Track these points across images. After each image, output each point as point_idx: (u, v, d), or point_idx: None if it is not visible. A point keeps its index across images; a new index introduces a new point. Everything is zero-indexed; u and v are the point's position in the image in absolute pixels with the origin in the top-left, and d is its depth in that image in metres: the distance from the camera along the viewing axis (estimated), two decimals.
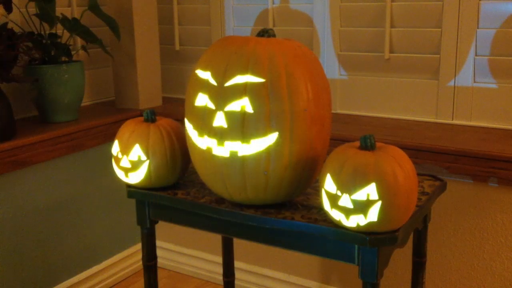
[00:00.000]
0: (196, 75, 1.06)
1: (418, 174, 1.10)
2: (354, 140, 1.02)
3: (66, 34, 1.71)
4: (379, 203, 0.91)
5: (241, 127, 0.99)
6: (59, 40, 1.67)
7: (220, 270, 1.75)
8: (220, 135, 1.00)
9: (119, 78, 1.90)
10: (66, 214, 1.72)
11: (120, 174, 1.19)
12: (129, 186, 1.20)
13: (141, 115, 1.23)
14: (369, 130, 1.53)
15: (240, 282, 1.82)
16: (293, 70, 1.00)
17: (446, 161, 1.36)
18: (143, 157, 1.14)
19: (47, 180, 1.64)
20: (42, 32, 1.65)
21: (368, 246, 0.94)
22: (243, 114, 0.99)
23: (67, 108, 1.68)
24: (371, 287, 0.99)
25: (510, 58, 1.45)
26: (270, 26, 1.79)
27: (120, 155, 1.16)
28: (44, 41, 1.65)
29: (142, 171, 1.15)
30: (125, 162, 1.16)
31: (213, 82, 1.02)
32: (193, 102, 1.05)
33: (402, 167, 0.93)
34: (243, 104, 0.98)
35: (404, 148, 1.07)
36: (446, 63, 1.53)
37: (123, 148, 1.16)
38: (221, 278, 1.72)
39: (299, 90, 0.99)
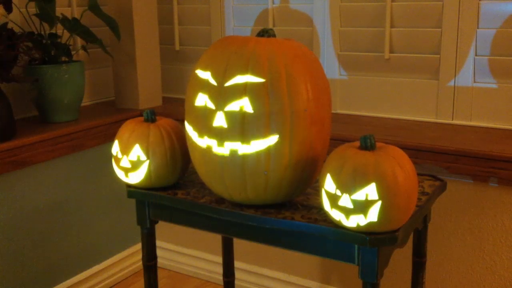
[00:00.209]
0: (196, 75, 1.06)
1: (418, 174, 1.10)
2: (354, 140, 1.02)
3: (66, 34, 1.71)
4: (379, 203, 0.91)
5: (241, 127, 0.99)
6: (59, 40, 1.67)
7: (220, 270, 1.75)
8: (220, 135, 1.00)
9: (119, 78, 1.90)
10: (66, 214, 1.72)
11: (120, 174, 1.19)
12: (129, 186, 1.20)
13: (141, 115, 1.23)
14: (369, 130, 1.53)
15: (240, 282, 1.82)
16: (293, 70, 1.00)
17: (446, 161, 1.36)
18: (143, 157, 1.14)
19: (47, 180, 1.64)
20: (42, 32, 1.65)
21: (368, 246, 0.94)
22: (243, 114, 0.99)
23: (67, 108, 1.68)
24: (371, 287, 0.99)
25: (510, 58, 1.45)
26: (270, 26, 1.79)
27: (120, 155, 1.16)
28: (44, 41, 1.65)
29: (142, 171, 1.15)
30: (125, 162, 1.16)
31: (213, 82, 1.02)
32: (193, 102, 1.05)
33: (402, 167, 0.92)
34: (243, 104, 0.98)
35: (404, 148, 1.07)
36: (446, 63, 1.54)
37: (123, 148, 1.16)
38: (221, 278, 1.72)
39: (299, 90, 0.99)
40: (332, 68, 1.71)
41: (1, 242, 1.54)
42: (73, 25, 1.66)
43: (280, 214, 1.04)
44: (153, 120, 1.19)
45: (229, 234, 1.16)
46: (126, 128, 1.17)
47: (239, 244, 1.75)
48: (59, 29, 1.68)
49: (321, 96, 1.03)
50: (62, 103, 1.67)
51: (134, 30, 1.82)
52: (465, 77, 1.52)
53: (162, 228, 1.91)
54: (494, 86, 1.49)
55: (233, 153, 1.00)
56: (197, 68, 1.07)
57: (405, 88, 1.62)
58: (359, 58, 1.67)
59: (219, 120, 1.00)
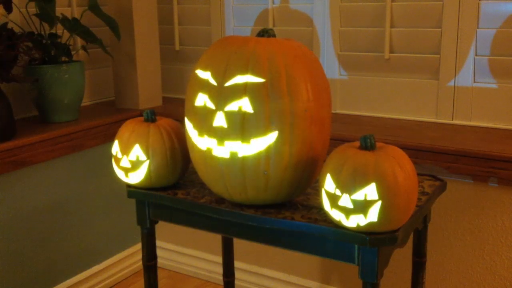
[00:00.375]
0: (196, 75, 1.06)
1: (418, 174, 1.10)
2: (354, 140, 1.02)
3: (66, 34, 1.71)
4: (379, 203, 0.91)
5: (241, 127, 0.99)
6: (59, 40, 1.67)
7: (220, 270, 1.75)
8: (220, 135, 1.00)
9: (119, 78, 1.90)
10: (66, 214, 1.72)
11: (120, 174, 1.19)
12: (129, 186, 1.20)
13: (141, 115, 1.23)
14: (369, 130, 1.53)
15: (240, 282, 1.82)
16: (293, 70, 1.00)
17: (446, 161, 1.36)
18: (143, 157, 1.14)
19: (47, 180, 1.64)
20: (42, 32, 1.65)
21: (368, 246, 0.94)
22: (243, 114, 0.99)
23: (67, 108, 1.68)
24: (371, 287, 0.99)
25: (510, 58, 1.45)
26: (270, 26, 1.79)
27: (120, 155, 1.16)
28: (44, 41, 1.65)
29: (142, 171, 1.15)
30: (125, 162, 1.16)
31: (213, 82, 1.02)
32: (193, 102, 1.05)
33: (402, 167, 0.92)
34: (243, 104, 0.98)
35: (404, 148, 1.07)
36: (446, 63, 1.53)
37: (123, 148, 1.16)
38: (221, 278, 1.72)
39: (299, 90, 0.99)
40: (332, 68, 1.71)
41: (1, 242, 1.54)
42: (73, 25, 1.66)
43: (280, 214, 1.04)
44: (153, 120, 1.19)
45: (229, 234, 1.16)
46: (126, 128, 1.17)
47: (239, 244, 1.75)
48: (59, 29, 1.68)
49: (321, 96, 1.03)
50: (62, 103, 1.67)
51: (134, 30, 1.82)
52: (465, 77, 1.52)
53: (162, 228, 1.91)
54: (494, 86, 1.49)
55: (233, 155, 1.00)
56: (197, 68, 1.07)
57: (405, 88, 1.62)
58: (359, 58, 1.67)
59: (219, 120, 1.00)
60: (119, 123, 1.64)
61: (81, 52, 1.83)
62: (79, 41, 1.86)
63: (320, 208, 1.05)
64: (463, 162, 1.34)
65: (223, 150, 1.01)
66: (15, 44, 1.49)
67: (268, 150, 0.99)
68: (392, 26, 1.60)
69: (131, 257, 1.96)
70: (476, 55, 1.50)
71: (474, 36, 1.48)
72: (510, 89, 1.47)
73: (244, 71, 0.99)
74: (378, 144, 0.98)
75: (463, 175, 1.36)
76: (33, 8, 1.64)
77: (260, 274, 1.81)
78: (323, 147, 1.06)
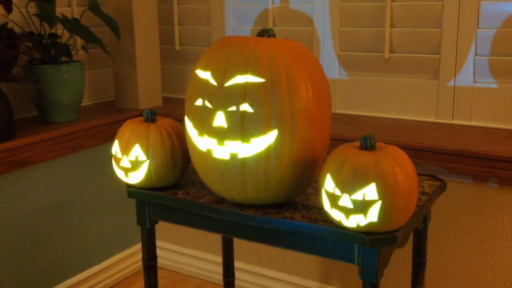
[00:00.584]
0: (196, 75, 1.06)
1: (418, 174, 1.10)
2: (354, 140, 1.02)
3: (66, 34, 1.71)
4: (379, 203, 0.91)
5: (241, 127, 0.99)
6: (59, 40, 1.67)
7: (220, 270, 1.75)
8: (220, 135, 1.00)
9: (119, 78, 1.90)
10: (66, 214, 1.72)
11: (120, 174, 1.19)
12: (129, 186, 1.20)
13: (141, 115, 1.23)
14: (369, 130, 1.53)
15: (240, 282, 1.82)
16: (293, 70, 1.00)
17: (446, 161, 1.36)
18: (143, 157, 1.14)
19: (47, 180, 1.64)
20: (42, 32, 1.65)
21: (368, 246, 0.94)
22: (243, 114, 0.99)
23: (67, 108, 1.68)
24: (371, 287, 0.99)
25: (510, 58, 1.45)
26: (270, 26, 1.79)
27: (120, 155, 1.16)
28: (44, 41, 1.65)
29: (142, 171, 1.15)
30: (125, 162, 1.16)
31: (213, 82, 1.02)
32: (193, 102, 1.05)
33: (402, 167, 0.92)
34: (243, 104, 0.98)
35: (404, 148, 1.07)
36: (446, 63, 1.53)
37: (123, 148, 1.16)
38: (221, 278, 1.72)
39: (299, 90, 0.99)
40: (332, 68, 1.71)
41: (1, 242, 1.54)
42: (73, 25, 1.66)
43: (280, 214, 1.04)
44: (153, 120, 1.19)
45: (229, 234, 1.16)
46: (126, 128, 1.17)
47: (239, 244, 1.75)
48: (59, 29, 1.68)
49: (321, 96, 1.03)
50: (62, 103, 1.67)
51: (134, 30, 1.82)
52: (465, 77, 1.52)
53: (162, 228, 1.91)
54: (494, 86, 1.49)
55: (233, 156, 1.00)
56: (197, 68, 1.07)
57: (405, 88, 1.62)
58: (359, 58, 1.67)
59: (219, 120, 1.00)
60: (119, 123, 1.64)
61: (81, 52, 1.83)
62: (79, 41, 1.86)
63: (320, 208, 1.05)
64: (463, 162, 1.34)
65: (223, 150, 1.01)
66: (15, 44, 1.49)
67: (268, 150, 0.99)
68: (392, 26, 1.60)
69: (131, 257, 1.96)
70: (476, 55, 1.50)
71: (474, 36, 1.48)
72: (510, 89, 1.47)
73: (244, 71, 0.99)
74: (378, 144, 0.98)
75: (463, 175, 1.36)
76: (33, 8, 1.64)
77: (260, 274, 1.81)
78: (323, 147, 1.06)
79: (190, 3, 1.97)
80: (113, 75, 1.93)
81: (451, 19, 1.50)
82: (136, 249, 1.97)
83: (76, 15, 1.82)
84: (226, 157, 1.01)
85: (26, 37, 1.57)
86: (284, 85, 0.99)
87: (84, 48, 1.76)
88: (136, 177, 1.16)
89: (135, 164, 1.15)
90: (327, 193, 0.95)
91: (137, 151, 1.14)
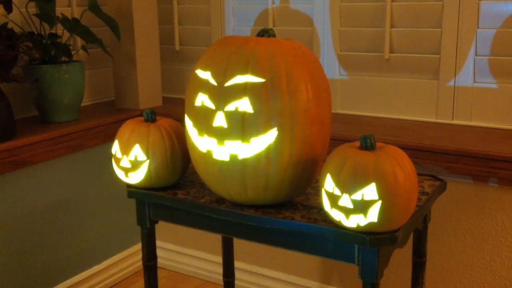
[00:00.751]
0: (196, 75, 1.06)
1: (418, 174, 1.10)
2: (354, 140, 1.02)
3: (66, 34, 1.71)
4: (379, 203, 0.91)
5: (241, 127, 0.99)
6: (59, 40, 1.67)
7: (220, 270, 1.75)
8: (220, 135, 1.00)
9: (119, 78, 1.90)
10: (66, 214, 1.72)
11: (120, 174, 1.19)
12: (129, 186, 1.20)
13: (141, 115, 1.23)
14: (369, 130, 1.53)
15: (240, 282, 1.82)
16: (293, 70, 1.00)
17: (446, 161, 1.36)
18: (143, 157, 1.14)
19: (47, 180, 1.64)
20: (42, 32, 1.65)
21: (368, 246, 0.94)
22: (243, 114, 0.99)
23: (67, 108, 1.68)
24: (371, 287, 0.99)
25: (510, 58, 1.45)
26: (270, 26, 1.79)
27: (120, 155, 1.16)
28: (44, 41, 1.65)
29: (142, 171, 1.15)
30: (125, 162, 1.16)
31: (213, 82, 1.02)
32: (193, 102, 1.05)
33: (402, 167, 0.92)
34: (243, 104, 0.98)
35: (404, 148, 1.07)
36: (446, 63, 1.53)
37: (123, 148, 1.16)
38: (221, 278, 1.72)
39: (299, 90, 0.99)
40: (332, 68, 1.71)
41: (1, 242, 1.54)
42: (73, 25, 1.66)
43: (280, 214, 1.04)
44: (153, 120, 1.19)
45: (229, 234, 1.16)
46: (126, 128, 1.17)
47: (239, 244, 1.75)
48: (59, 29, 1.68)
49: (321, 96, 1.03)
50: (62, 103, 1.67)
51: (134, 30, 1.82)
52: (465, 77, 1.52)
53: (162, 228, 1.91)
54: (494, 86, 1.49)
55: (233, 157, 1.00)
56: (197, 68, 1.07)
57: (405, 88, 1.62)
58: (359, 58, 1.67)
59: (219, 120, 1.00)
60: (119, 123, 1.64)
61: (81, 52, 1.83)
62: (79, 41, 1.86)
63: (320, 208, 1.05)
64: (463, 162, 1.34)
65: (223, 150, 1.01)
66: (15, 44, 1.49)
67: (268, 150, 0.99)
68: (392, 26, 1.60)
69: (131, 257, 1.96)
70: (476, 55, 1.50)
71: (474, 36, 1.48)
72: (510, 89, 1.47)
73: (244, 71, 0.99)
74: (378, 144, 0.98)
75: (463, 175, 1.36)
76: (33, 8, 1.64)
77: (260, 274, 1.81)
78: (323, 147, 1.06)
79: (190, 3, 1.97)
80: (113, 75, 1.93)
81: (451, 19, 1.50)
82: (136, 249, 1.97)
83: (76, 15, 1.82)
84: (226, 158, 1.01)
85: (26, 37, 1.57)
86: (284, 85, 0.99)
87: (84, 48, 1.76)
88: (136, 177, 1.16)
89: (135, 164, 1.15)
90: (327, 193, 0.95)
91: (137, 151, 1.14)
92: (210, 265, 1.91)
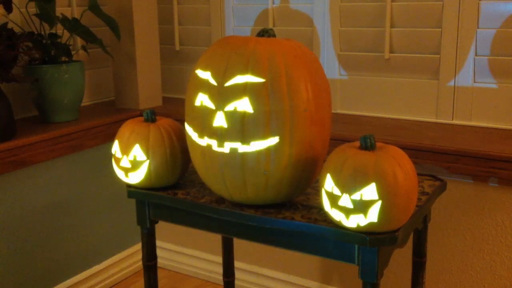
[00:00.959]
0: (196, 75, 1.06)
1: (418, 174, 1.10)
2: (354, 140, 1.02)
3: (66, 34, 1.71)
4: (379, 203, 0.91)
5: (241, 127, 0.99)
6: (59, 40, 1.67)
7: (220, 270, 1.75)
8: (220, 135, 1.00)
9: (119, 78, 1.91)
10: (66, 214, 1.72)
11: (120, 174, 1.19)
12: (129, 186, 1.20)
13: (141, 115, 1.23)
14: (369, 130, 1.53)
15: (240, 282, 1.82)
16: (293, 70, 1.00)
17: (446, 161, 1.36)
18: (143, 157, 1.14)
19: (47, 180, 1.64)
20: (42, 32, 1.65)
21: (368, 246, 0.94)
22: (243, 114, 0.99)
23: (67, 108, 1.68)
24: (371, 287, 0.99)
25: (510, 58, 1.45)
26: (270, 26, 1.79)
27: (120, 155, 1.16)
28: (44, 41, 1.65)
29: (142, 171, 1.15)
30: (125, 162, 1.16)
31: (213, 82, 1.02)
32: (193, 102, 1.05)
33: (402, 167, 0.92)
34: (243, 104, 0.98)
35: (404, 148, 1.07)
36: (446, 63, 1.54)
37: (123, 148, 1.16)
38: (221, 278, 1.72)
39: (299, 90, 0.99)
40: (332, 68, 1.71)
41: (1, 242, 1.54)
42: (73, 25, 1.66)
43: (280, 214, 1.04)
44: (153, 120, 1.19)
45: (229, 234, 1.16)
46: (126, 128, 1.17)
47: (239, 244, 1.75)
48: (59, 29, 1.68)
49: (321, 96, 1.03)
50: (62, 103, 1.67)
51: (134, 30, 1.82)
52: (465, 77, 1.52)
53: (162, 228, 1.91)
54: (494, 86, 1.49)
55: (233, 151, 1.00)
56: (197, 68, 1.07)
57: (405, 88, 1.62)
58: (359, 58, 1.67)
59: (219, 120, 1.00)
60: (119, 123, 1.64)
61: (81, 52, 1.83)
62: (79, 41, 1.86)
63: (320, 208, 1.05)
64: (463, 162, 1.34)
65: (222, 149, 1.01)
66: (15, 44, 1.49)
67: (268, 149, 0.99)
68: (392, 26, 1.60)
69: (131, 257, 1.96)
70: (476, 55, 1.50)
71: (474, 36, 1.48)
72: (510, 89, 1.47)
73: (244, 71, 0.99)
74: (378, 144, 0.98)
75: (463, 175, 1.36)
76: (33, 8, 1.64)
77: (260, 274, 1.81)
78: (323, 147, 1.06)
79: (190, 3, 1.97)
80: (113, 75, 1.93)
81: (451, 19, 1.50)
82: (136, 249, 1.97)
83: (76, 15, 1.82)
84: (226, 151, 1.00)
85: (26, 37, 1.57)
86: (284, 85, 0.99)
87: (84, 48, 1.76)
88: (136, 177, 1.16)
89: (135, 164, 1.15)
90: (327, 193, 0.95)
91: (137, 151, 1.14)
92: (210, 265, 1.91)
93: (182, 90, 2.06)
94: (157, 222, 1.25)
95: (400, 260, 1.52)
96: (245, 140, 0.99)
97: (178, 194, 1.16)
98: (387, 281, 1.58)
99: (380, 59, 1.63)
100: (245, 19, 1.85)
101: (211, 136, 1.02)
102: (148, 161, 1.14)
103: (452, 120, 1.56)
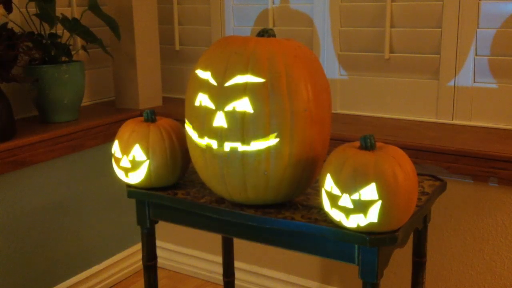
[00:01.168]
0: (196, 75, 1.06)
1: (418, 174, 1.10)
2: (354, 140, 1.02)
3: (66, 34, 1.71)
4: (379, 203, 0.91)
5: (241, 127, 0.99)
6: (59, 40, 1.67)
7: (220, 270, 1.75)
8: (220, 135, 1.00)
9: (119, 78, 1.91)
10: (66, 214, 1.72)
11: (120, 174, 1.19)
12: (129, 186, 1.20)
13: (141, 115, 1.23)
14: (369, 130, 1.53)
15: (240, 282, 1.82)
16: (293, 70, 1.00)
17: (446, 161, 1.36)
18: (143, 157, 1.14)
19: (47, 180, 1.64)
20: (42, 32, 1.65)
21: (368, 246, 0.94)
22: (243, 114, 0.99)
23: (67, 108, 1.68)
24: (371, 287, 0.99)
25: (510, 58, 1.45)
26: (270, 26, 1.79)
27: (120, 155, 1.16)
28: (44, 41, 1.65)
29: (142, 171, 1.15)
30: (125, 162, 1.16)
31: (213, 82, 1.02)
32: (193, 102, 1.05)
33: (402, 167, 0.92)
34: (243, 104, 0.98)
35: (404, 148, 1.07)
36: (446, 63, 1.54)
37: (123, 148, 1.16)
38: (221, 278, 1.72)
39: (299, 90, 0.99)
40: (332, 68, 1.71)
41: (1, 242, 1.54)
42: (73, 25, 1.66)
43: (280, 214, 1.04)
44: (153, 120, 1.19)
45: (229, 234, 1.16)
46: (126, 128, 1.17)
47: (239, 244, 1.75)
48: (59, 29, 1.68)
49: (321, 96, 1.03)
50: (62, 103, 1.67)
51: (134, 30, 1.82)
52: (465, 77, 1.52)
53: (162, 228, 1.91)
54: (494, 86, 1.49)
55: (233, 151, 1.00)
56: (197, 68, 1.07)
57: (405, 88, 1.62)
58: (359, 58, 1.67)
59: (219, 120, 1.00)
60: (119, 123, 1.64)
61: (81, 52, 1.83)
62: (79, 41, 1.86)
63: (320, 208, 1.05)
64: (463, 162, 1.34)
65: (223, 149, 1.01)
66: (15, 44, 1.49)
67: (268, 149, 0.99)
68: (392, 26, 1.60)
69: (131, 257, 1.96)
70: (476, 55, 1.50)
71: (474, 36, 1.48)
72: (510, 89, 1.47)
73: (244, 71, 0.99)
74: (378, 144, 0.98)
75: (463, 175, 1.36)
76: (33, 8, 1.64)
77: (260, 274, 1.81)
78: (323, 147, 1.06)
79: (190, 3, 1.97)
80: (113, 75, 1.93)
81: (451, 19, 1.50)
82: (136, 249, 1.97)
83: (76, 15, 1.82)
84: (226, 151, 1.00)
85: (26, 37, 1.57)
86: (284, 85, 0.99)
87: (84, 48, 1.76)
88: (136, 177, 1.16)
89: (135, 164, 1.15)
90: (327, 193, 0.95)
91: (137, 151, 1.14)
92: (210, 265, 1.91)
93: (182, 90, 2.06)
94: (157, 222, 1.25)
95: (400, 260, 1.52)
96: (245, 140, 0.99)
97: (178, 194, 1.16)
98: (387, 281, 1.58)
99: (380, 59, 1.63)
100: (245, 19, 1.85)
101: (211, 136, 1.02)
102: (148, 161, 1.14)
103: (452, 120, 1.56)
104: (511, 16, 1.44)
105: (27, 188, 1.59)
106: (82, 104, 1.85)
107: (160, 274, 1.93)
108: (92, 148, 1.74)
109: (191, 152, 1.10)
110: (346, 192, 0.92)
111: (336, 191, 0.93)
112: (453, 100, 1.55)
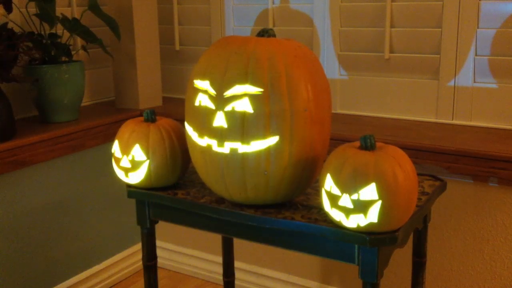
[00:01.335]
0: (194, 84, 1.05)
1: (418, 174, 1.10)
2: (354, 140, 1.02)
3: (66, 34, 1.71)
4: (379, 203, 0.91)
5: (241, 127, 0.99)
6: (59, 40, 1.67)
7: (220, 270, 1.75)
8: (220, 135, 1.00)
9: (119, 78, 1.91)
10: (66, 214, 1.72)
11: (120, 174, 1.19)
12: (129, 186, 1.20)
13: (141, 115, 1.23)
14: (369, 130, 1.53)
15: (240, 282, 1.82)
16: (293, 70, 1.00)
17: (446, 161, 1.36)
18: (143, 157, 1.14)
19: (47, 180, 1.64)
20: (42, 32, 1.65)
21: (368, 246, 0.94)
22: (243, 114, 0.99)
23: (67, 108, 1.68)
24: (371, 287, 0.99)
25: (510, 58, 1.45)
26: (270, 26, 1.79)
27: (120, 155, 1.16)
28: (44, 41, 1.65)
29: (142, 171, 1.15)
30: (125, 162, 1.16)
31: (212, 91, 1.01)
32: (193, 102, 1.05)
33: (402, 167, 0.92)
34: (243, 104, 0.98)
35: (404, 148, 1.07)
36: (446, 63, 1.54)
37: (123, 148, 1.16)
38: (221, 278, 1.72)
39: (299, 90, 0.99)
40: (332, 68, 1.71)
41: (1, 242, 1.54)
42: (73, 25, 1.66)
43: (280, 214, 1.04)
44: (153, 120, 1.19)
45: (229, 234, 1.16)
46: (126, 128, 1.17)
47: (239, 244, 1.75)
48: (59, 29, 1.68)
49: (321, 96, 1.03)
50: (62, 103, 1.67)
51: (134, 30, 1.82)
52: (465, 77, 1.52)
53: (162, 228, 1.91)
54: (494, 86, 1.49)
55: (233, 151, 1.00)
56: (195, 78, 1.05)
57: (405, 88, 1.62)
58: (359, 58, 1.67)
59: (219, 120, 1.00)
60: (119, 123, 1.64)
61: (81, 52, 1.83)
62: (79, 41, 1.86)
63: (320, 208, 1.05)
64: (463, 162, 1.34)
65: (223, 149, 1.01)
66: (15, 44, 1.49)
67: (268, 149, 0.99)
68: (392, 26, 1.60)
69: (131, 257, 1.96)
70: (476, 55, 1.50)
71: (474, 36, 1.48)
72: (510, 89, 1.47)
73: (243, 80, 0.98)
74: (378, 144, 0.98)
75: (463, 175, 1.36)
76: (33, 8, 1.64)
77: (260, 274, 1.81)
78: (323, 147, 1.06)
79: (190, 3, 1.97)
80: (113, 75, 1.93)
81: (451, 19, 1.50)
82: (136, 249, 1.97)
83: (76, 15, 1.82)
84: (226, 151, 1.00)
85: (26, 37, 1.57)
86: (284, 85, 0.99)
87: (84, 48, 1.76)
88: (136, 177, 1.16)
89: (135, 164, 1.15)
90: (327, 193, 0.95)
91: (137, 151, 1.14)
92: (210, 265, 1.91)
93: (182, 90, 2.06)
94: (157, 222, 1.25)
95: (400, 260, 1.52)
96: (245, 140, 0.99)
97: (178, 194, 1.16)
98: (387, 281, 1.58)
99: (380, 59, 1.63)
100: (245, 19, 1.85)
101: (211, 136, 1.02)
102: (148, 161, 1.14)
103: (452, 120, 1.56)
104: (511, 16, 1.44)
105: (27, 188, 1.59)
106: (82, 104, 1.85)
107: (160, 274, 1.93)
108: (92, 148, 1.74)
109: (191, 152, 1.10)
110: (346, 192, 0.92)
111: (336, 191, 0.93)
112: (453, 100, 1.55)
